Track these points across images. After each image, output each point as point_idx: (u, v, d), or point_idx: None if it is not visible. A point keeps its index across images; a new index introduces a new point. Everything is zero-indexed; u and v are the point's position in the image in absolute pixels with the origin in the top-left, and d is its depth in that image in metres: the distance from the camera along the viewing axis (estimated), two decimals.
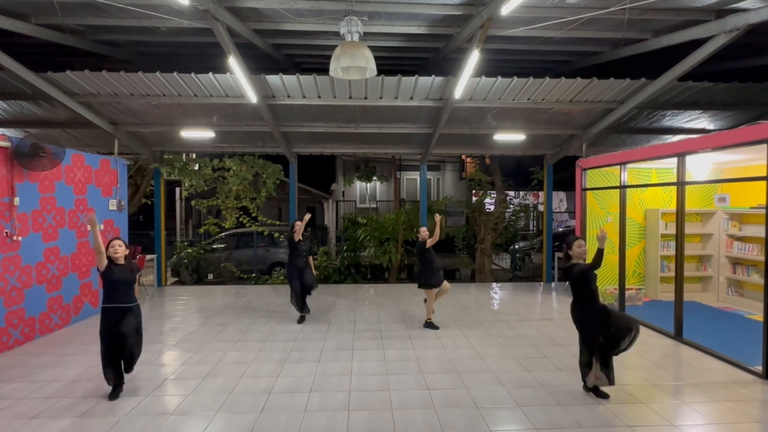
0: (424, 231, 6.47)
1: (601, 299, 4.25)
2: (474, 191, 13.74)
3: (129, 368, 4.36)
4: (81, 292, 6.95)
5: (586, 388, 4.33)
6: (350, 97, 7.79)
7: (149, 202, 11.20)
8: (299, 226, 6.74)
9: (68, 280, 6.67)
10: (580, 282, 4.15)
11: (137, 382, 4.60)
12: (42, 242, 6.18)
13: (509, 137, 9.17)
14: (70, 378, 4.71)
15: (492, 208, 12.45)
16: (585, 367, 4.25)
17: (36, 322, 6.05)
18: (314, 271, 7.18)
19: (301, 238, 6.87)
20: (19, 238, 5.78)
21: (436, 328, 6.48)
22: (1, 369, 4.96)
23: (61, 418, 3.83)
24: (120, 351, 4.21)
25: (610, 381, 4.16)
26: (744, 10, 5.35)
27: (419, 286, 6.52)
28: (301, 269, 6.78)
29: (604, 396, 4.21)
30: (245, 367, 5.01)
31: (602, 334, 4.09)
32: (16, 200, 5.73)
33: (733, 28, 5.45)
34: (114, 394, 4.25)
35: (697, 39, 5.92)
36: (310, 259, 7.14)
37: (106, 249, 4.22)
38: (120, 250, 4.28)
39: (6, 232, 5.58)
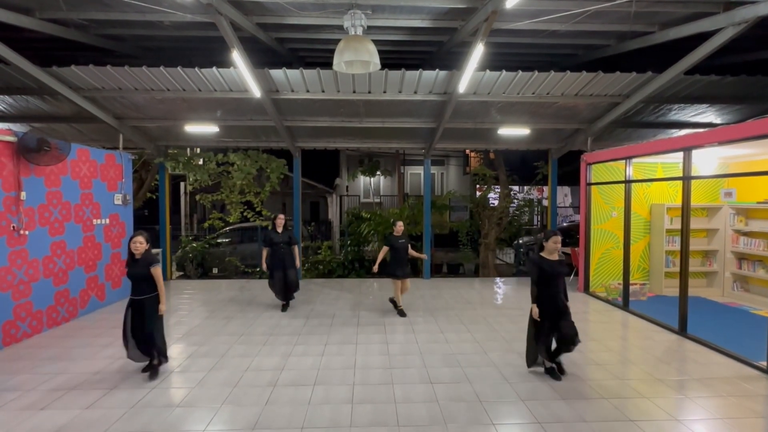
0: (400, 225, 6.88)
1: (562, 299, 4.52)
2: (478, 186, 13.71)
3: (147, 353, 4.64)
4: (87, 285, 7.01)
5: (547, 368, 4.59)
6: (354, 92, 7.77)
7: (154, 197, 11.26)
8: (281, 219, 7.21)
9: (75, 274, 6.72)
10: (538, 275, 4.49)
11: (143, 374, 4.64)
12: (48, 236, 6.23)
13: (514, 132, 9.13)
14: (78, 370, 4.76)
15: (496, 202, 12.42)
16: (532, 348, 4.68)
17: (43, 315, 6.11)
18: (298, 261, 7.37)
19: (279, 230, 7.15)
20: (26, 232, 5.83)
21: (403, 315, 6.92)
22: (9, 361, 5.02)
23: (68, 410, 3.88)
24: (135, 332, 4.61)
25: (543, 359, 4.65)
26: (753, 2, 5.27)
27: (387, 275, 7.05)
28: (282, 260, 7.06)
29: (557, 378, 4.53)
30: (250, 360, 5.05)
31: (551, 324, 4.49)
32: (23, 194, 5.77)
33: (741, 21, 5.37)
34: (147, 369, 4.68)
35: (704, 32, 5.85)
36: (295, 248, 7.30)
37: (129, 242, 4.53)
38: (140, 247, 4.50)
39: (13, 226, 5.63)
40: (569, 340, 4.41)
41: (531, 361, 4.70)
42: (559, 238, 4.48)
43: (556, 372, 4.57)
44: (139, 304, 4.52)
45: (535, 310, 4.47)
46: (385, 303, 7.70)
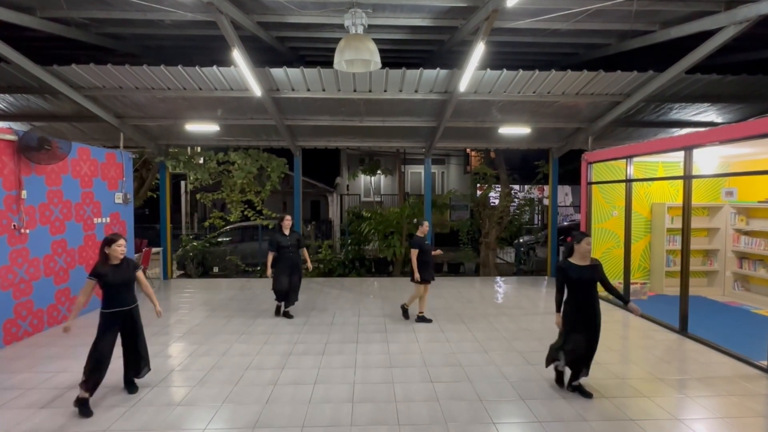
0: (426, 226, 6.42)
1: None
2: (479, 185, 13.71)
3: (137, 372, 4.25)
4: None
5: (571, 386, 4.24)
6: (354, 91, 7.76)
7: (155, 196, 11.27)
8: (288, 220, 6.72)
9: (75, 273, 6.72)
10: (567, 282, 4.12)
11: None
12: (49, 235, 6.23)
13: (514, 131, 9.12)
14: (79, 369, 4.71)
15: (497, 202, 12.42)
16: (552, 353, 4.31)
17: (44, 313, 6.12)
18: (309, 264, 6.99)
19: (286, 233, 6.67)
20: (27, 231, 5.83)
21: (428, 321, 6.52)
22: (10, 360, 5.03)
23: (69, 409, 3.88)
24: (116, 355, 4.09)
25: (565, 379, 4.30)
26: (755, 1, 5.26)
27: (413, 281, 6.38)
28: (290, 264, 6.61)
29: (588, 395, 4.14)
30: (250, 359, 5.05)
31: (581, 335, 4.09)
32: (24, 193, 5.77)
33: (743, 20, 5.36)
34: (85, 408, 3.80)
35: (706, 31, 5.84)
36: (304, 251, 6.91)
37: (110, 246, 3.98)
38: (124, 251, 4.08)
39: (14, 225, 5.64)
40: (581, 364, 4.12)
41: (549, 361, 4.38)
42: (590, 239, 4.08)
43: (562, 378, 4.35)
44: (129, 315, 4.07)
45: (558, 320, 4.16)
46: (385, 301, 7.71)
